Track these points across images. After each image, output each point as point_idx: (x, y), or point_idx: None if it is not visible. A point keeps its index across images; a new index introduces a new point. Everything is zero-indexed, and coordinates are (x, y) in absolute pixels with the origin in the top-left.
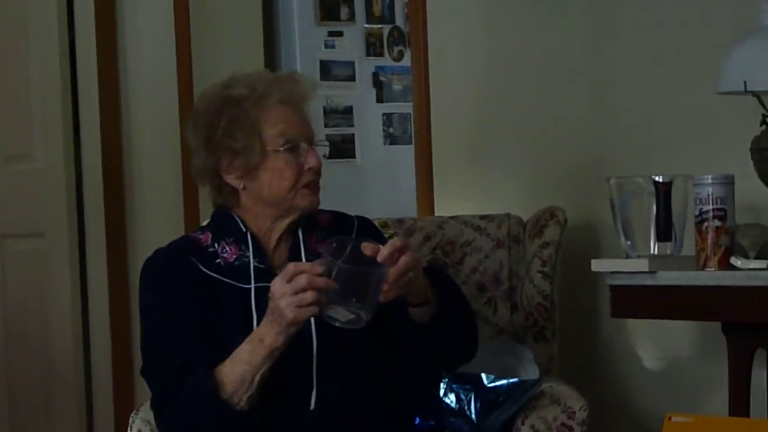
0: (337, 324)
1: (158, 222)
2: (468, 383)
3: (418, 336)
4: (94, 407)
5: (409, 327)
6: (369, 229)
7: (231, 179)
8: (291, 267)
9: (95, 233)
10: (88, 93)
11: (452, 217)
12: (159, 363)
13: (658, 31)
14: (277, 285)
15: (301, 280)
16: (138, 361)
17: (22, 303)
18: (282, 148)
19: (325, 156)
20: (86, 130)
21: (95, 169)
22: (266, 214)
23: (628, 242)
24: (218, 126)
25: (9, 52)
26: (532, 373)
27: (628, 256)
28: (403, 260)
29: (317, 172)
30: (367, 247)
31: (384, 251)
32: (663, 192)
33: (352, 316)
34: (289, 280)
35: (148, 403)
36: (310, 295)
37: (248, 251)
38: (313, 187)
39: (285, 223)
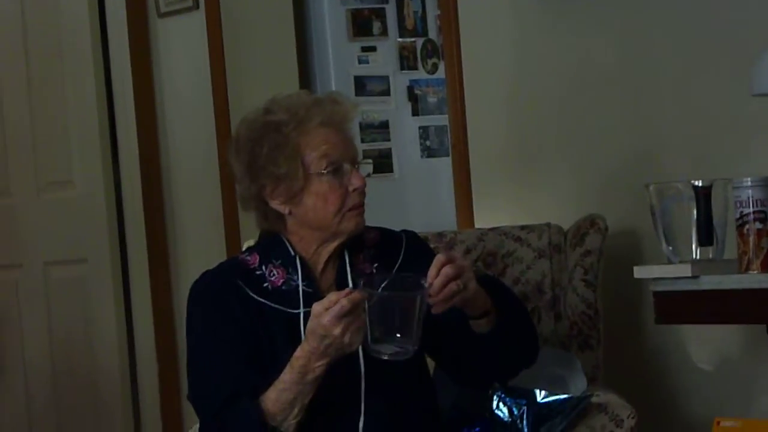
0: (384, 357)
1: (200, 245)
2: (521, 397)
3: (482, 346)
4: None
5: (472, 339)
6: (416, 243)
7: (276, 204)
8: (333, 296)
9: (138, 257)
10: (125, 118)
11: (492, 229)
12: (205, 392)
13: (693, 36)
14: (326, 317)
15: (344, 302)
16: (185, 386)
17: (67, 329)
18: (325, 171)
19: (369, 174)
20: (125, 155)
21: (135, 194)
22: (313, 237)
23: (670, 248)
24: (260, 153)
25: (46, 82)
26: (580, 382)
27: (670, 262)
28: (444, 271)
29: (362, 193)
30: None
31: (432, 272)
32: (703, 196)
33: (398, 350)
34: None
35: (196, 426)
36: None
37: (296, 275)
38: (359, 208)
39: (332, 246)
